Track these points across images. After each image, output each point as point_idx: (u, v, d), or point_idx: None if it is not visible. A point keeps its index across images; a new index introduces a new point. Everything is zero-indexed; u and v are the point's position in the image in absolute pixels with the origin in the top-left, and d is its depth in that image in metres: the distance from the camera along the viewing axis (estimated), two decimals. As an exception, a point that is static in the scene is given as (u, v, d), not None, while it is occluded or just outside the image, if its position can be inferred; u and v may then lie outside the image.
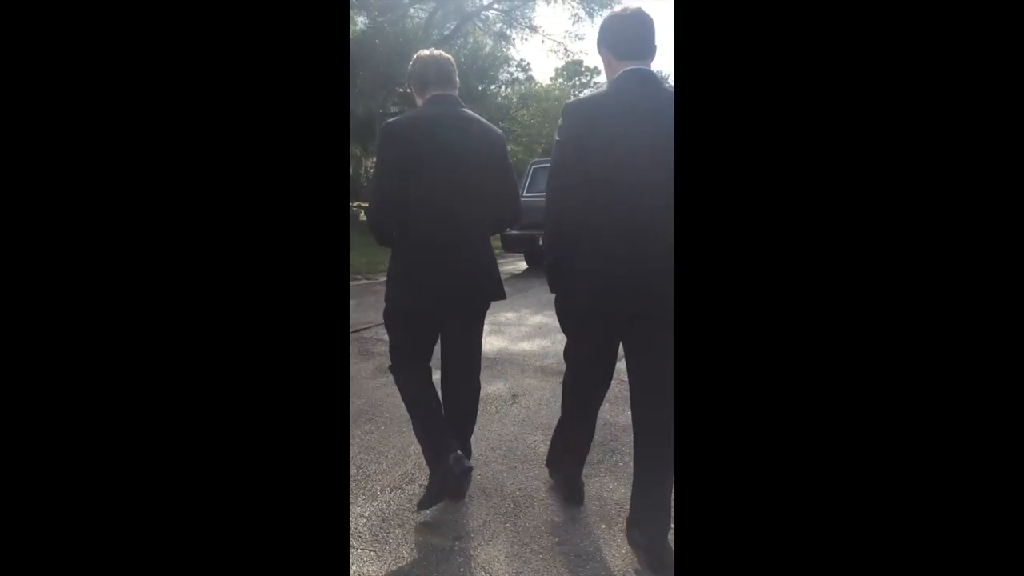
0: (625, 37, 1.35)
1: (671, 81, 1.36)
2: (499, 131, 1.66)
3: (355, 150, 16.49)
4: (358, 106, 11.30)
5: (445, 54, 1.63)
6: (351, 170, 16.53)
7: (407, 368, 1.65)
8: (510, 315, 4.55)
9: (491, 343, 3.64)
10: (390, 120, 1.54)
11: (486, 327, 1.77)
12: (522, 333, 3.95)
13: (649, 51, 1.35)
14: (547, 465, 1.79)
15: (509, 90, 19.43)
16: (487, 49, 15.50)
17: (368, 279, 6.58)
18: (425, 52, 1.64)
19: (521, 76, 20.60)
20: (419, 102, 1.62)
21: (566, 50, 21.59)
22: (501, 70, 17.01)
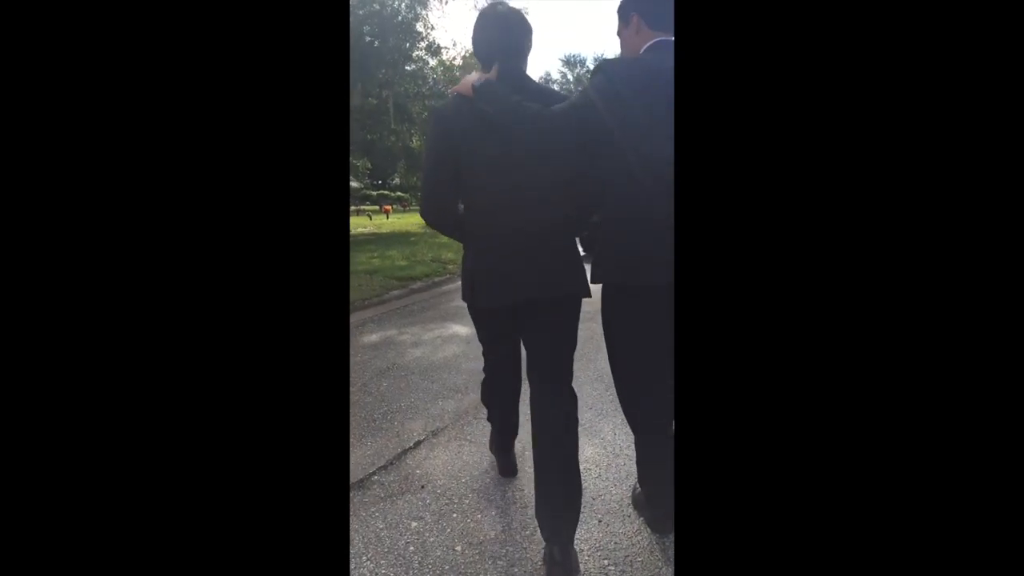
0: (668, 5, 1.25)
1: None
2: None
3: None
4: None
5: (514, 8, 1.37)
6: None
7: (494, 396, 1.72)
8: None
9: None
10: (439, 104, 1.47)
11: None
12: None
13: None
14: None
15: (431, 66, 15.77)
16: (399, 18, 12.88)
17: (375, 307, 4.48)
18: (488, 8, 1.37)
19: (431, 61, 15.40)
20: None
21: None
22: (417, 42, 13.66)
